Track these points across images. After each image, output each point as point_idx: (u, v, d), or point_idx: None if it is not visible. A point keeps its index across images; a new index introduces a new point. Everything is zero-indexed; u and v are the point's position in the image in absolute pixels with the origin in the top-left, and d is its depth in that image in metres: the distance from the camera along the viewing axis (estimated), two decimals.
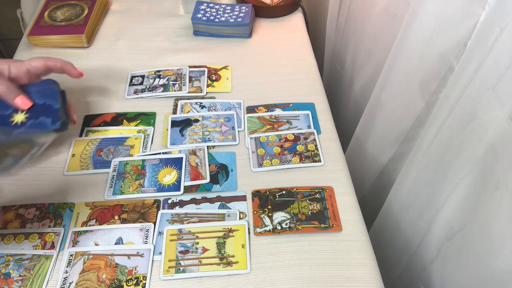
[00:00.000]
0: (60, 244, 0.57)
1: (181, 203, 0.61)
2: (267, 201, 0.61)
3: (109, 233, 0.58)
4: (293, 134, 0.70)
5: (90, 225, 0.59)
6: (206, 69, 0.82)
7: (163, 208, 0.61)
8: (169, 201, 0.61)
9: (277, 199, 0.61)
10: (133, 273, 0.54)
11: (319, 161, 0.66)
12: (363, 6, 0.87)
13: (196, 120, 0.72)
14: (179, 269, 0.54)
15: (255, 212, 0.60)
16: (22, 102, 0.53)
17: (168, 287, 0.53)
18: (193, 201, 0.62)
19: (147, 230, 0.58)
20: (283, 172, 0.65)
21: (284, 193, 0.62)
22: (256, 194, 0.62)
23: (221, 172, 0.65)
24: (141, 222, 0.59)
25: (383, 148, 0.80)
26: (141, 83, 0.79)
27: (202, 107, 0.75)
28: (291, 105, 0.75)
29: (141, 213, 0.60)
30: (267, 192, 0.62)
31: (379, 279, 0.54)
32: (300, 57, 0.86)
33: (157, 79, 0.80)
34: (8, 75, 0.55)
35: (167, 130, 0.71)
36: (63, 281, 0.53)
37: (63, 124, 0.55)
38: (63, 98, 0.59)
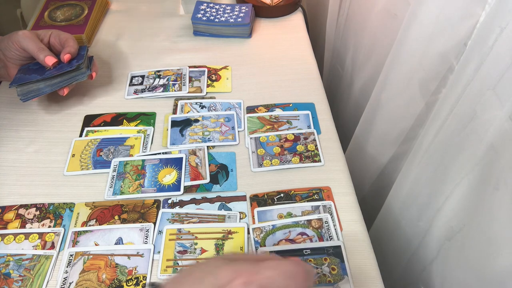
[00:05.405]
0: (60, 244, 0.57)
1: (181, 203, 0.61)
2: (265, 205, 0.61)
3: (109, 233, 0.58)
4: (293, 134, 0.70)
5: (90, 225, 0.59)
6: (206, 69, 0.82)
7: (163, 208, 0.61)
8: (169, 201, 0.61)
9: (275, 202, 0.61)
10: (133, 273, 0.54)
11: (319, 161, 0.66)
12: (363, 6, 0.87)
13: (196, 120, 0.72)
14: (177, 269, 0.54)
15: (254, 217, 0.60)
16: (47, 59, 0.68)
17: None
18: (193, 201, 0.62)
19: (147, 230, 0.58)
20: (283, 172, 0.65)
21: (282, 196, 0.62)
22: (254, 198, 0.62)
23: (221, 172, 0.65)
24: (141, 222, 0.59)
25: (383, 148, 0.80)
26: (141, 83, 0.79)
27: (202, 107, 0.75)
28: (291, 105, 0.75)
29: (141, 213, 0.60)
30: (265, 196, 0.62)
31: (379, 279, 0.54)
32: (300, 57, 0.86)
33: (157, 79, 0.80)
34: (47, 40, 0.71)
35: (167, 130, 0.71)
36: (63, 281, 0.53)
37: (79, 68, 0.70)
38: (90, 59, 0.74)
